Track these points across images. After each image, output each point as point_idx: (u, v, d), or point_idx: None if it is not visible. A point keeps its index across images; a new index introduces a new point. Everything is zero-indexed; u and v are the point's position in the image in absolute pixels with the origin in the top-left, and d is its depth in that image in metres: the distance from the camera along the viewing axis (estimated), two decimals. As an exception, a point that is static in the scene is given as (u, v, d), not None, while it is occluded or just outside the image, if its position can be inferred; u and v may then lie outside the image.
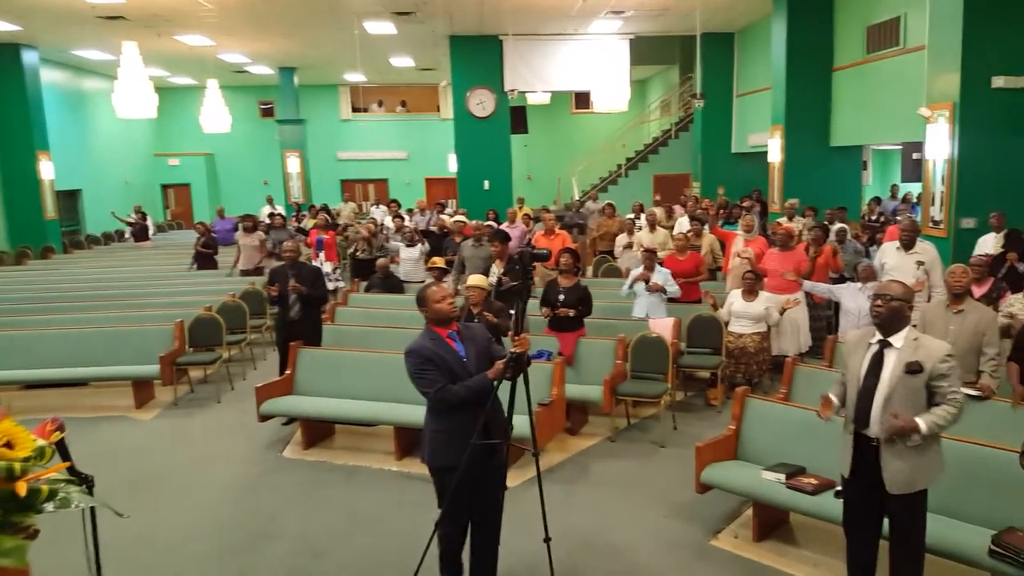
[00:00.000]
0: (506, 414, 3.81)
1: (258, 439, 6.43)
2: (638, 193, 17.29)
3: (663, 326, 6.91)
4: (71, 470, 2.26)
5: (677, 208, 12.85)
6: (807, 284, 7.06)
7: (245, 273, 10.83)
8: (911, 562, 3.49)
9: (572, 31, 15.18)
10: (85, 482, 2.38)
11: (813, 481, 4.21)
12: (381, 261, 9.49)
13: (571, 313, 6.38)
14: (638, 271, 7.31)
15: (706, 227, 9.37)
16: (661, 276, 7.21)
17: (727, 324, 6.94)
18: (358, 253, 10.57)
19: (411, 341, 3.75)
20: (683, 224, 10.69)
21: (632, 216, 11.78)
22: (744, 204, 12.76)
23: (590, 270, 10.98)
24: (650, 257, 7.34)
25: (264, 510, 5.16)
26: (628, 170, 19.28)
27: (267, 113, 23.27)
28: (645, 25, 15.02)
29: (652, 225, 9.90)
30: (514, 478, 5.32)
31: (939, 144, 9.12)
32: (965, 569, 3.73)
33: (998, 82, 8.67)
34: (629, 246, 10.14)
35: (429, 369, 3.62)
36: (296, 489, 5.48)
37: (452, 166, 17.30)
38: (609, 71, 15.82)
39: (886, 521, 3.53)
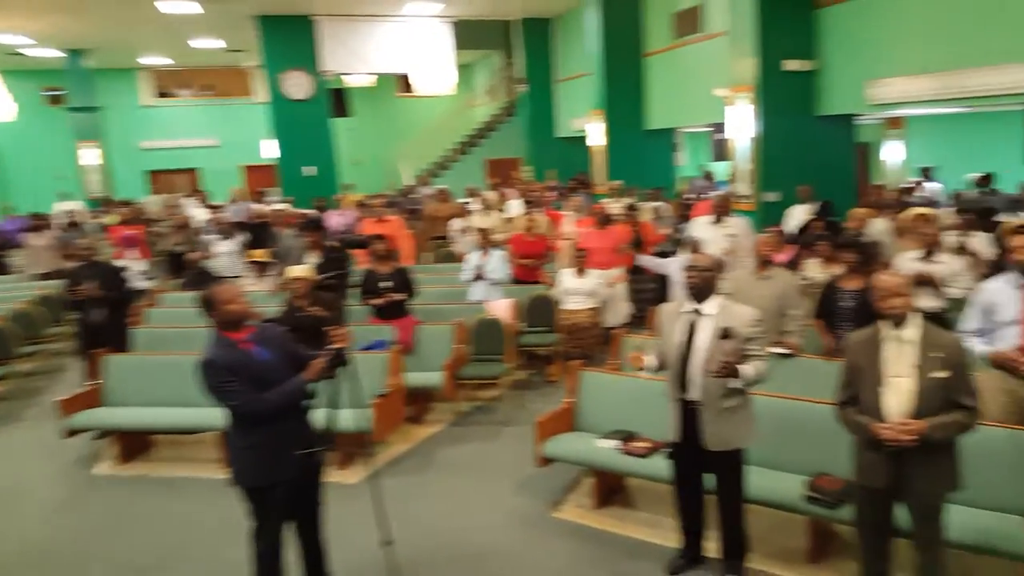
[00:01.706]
0: (327, 415, 3.63)
1: (66, 457, 5.82)
2: (471, 177, 17.33)
3: (500, 308, 6.97)
4: None
5: (509, 191, 13.00)
6: (641, 258, 7.38)
7: (45, 276, 9.78)
8: (735, 513, 3.76)
9: (388, 12, 14.86)
10: None
11: (645, 445, 4.38)
12: (191, 256, 8.83)
13: (400, 297, 6.27)
14: (475, 255, 7.34)
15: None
16: (494, 260, 7.28)
17: (561, 302, 7.11)
18: (174, 248, 9.78)
19: (202, 352, 3.36)
20: (514, 207, 10.82)
21: (466, 200, 11.77)
22: (571, 186, 13.15)
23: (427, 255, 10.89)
24: (484, 238, 7.40)
25: (81, 533, 4.69)
26: (460, 154, 19.28)
27: (56, 100, 20.91)
28: (466, 9, 15.00)
29: (486, 209, 9.94)
30: (355, 474, 5.19)
31: (741, 124, 9.85)
32: (786, 515, 4.02)
33: (789, 65, 9.49)
34: (464, 230, 10.12)
35: (230, 380, 3.27)
36: (115, 507, 5.02)
37: (268, 152, 16.42)
38: (433, 54, 15.66)
39: (711, 477, 3.76)
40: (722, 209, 7.28)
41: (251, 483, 3.43)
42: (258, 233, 10.04)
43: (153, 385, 5.81)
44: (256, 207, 12.09)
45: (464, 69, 21.28)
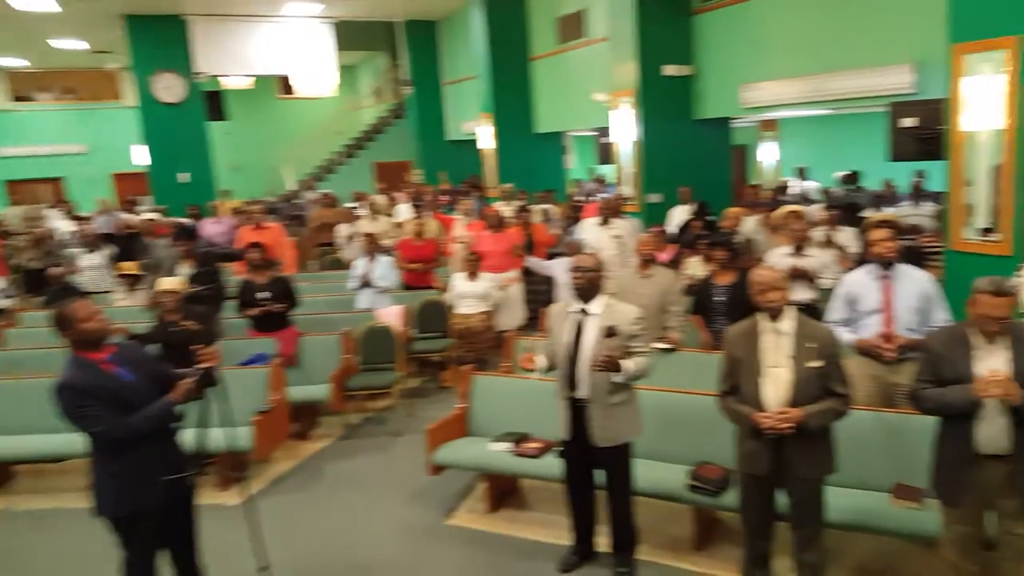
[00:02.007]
0: (197, 437, 3.44)
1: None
2: (359, 181, 16.97)
3: (390, 315, 6.83)
4: None
5: (399, 195, 12.81)
6: (530, 261, 7.41)
7: None
8: (624, 506, 3.83)
9: (266, 13, 14.37)
10: None
11: (537, 445, 4.39)
12: (53, 271, 8.19)
13: (279, 308, 6.04)
14: (361, 262, 7.16)
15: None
16: (381, 266, 7.15)
17: (453, 307, 7.05)
18: (28, 263, 9.04)
19: (59, 375, 3.11)
20: (403, 211, 10.67)
21: (353, 205, 11.50)
22: (463, 189, 13.09)
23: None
24: (371, 243, 7.24)
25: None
26: (347, 157, 18.86)
27: None
28: (347, 9, 14.70)
29: (374, 213, 9.74)
30: (236, 495, 4.88)
31: (624, 128, 10.09)
32: (672, 505, 4.10)
33: (668, 70, 9.79)
34: (351, 236, 9.88)
35: (90, 405, 3.05)
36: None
37: (140, 158, 15.54)
38: (313, 55, 15.26)
39: (602, 473, 3.81)
40: (608, 211, 7.41)
41: (117, 512, 3.20)
42: (128, 244, 9.44)
43: (12, 411, 5.36)
44: (125, 217, 11.40)
45: (348, 70, 20.86)
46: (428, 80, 16.68)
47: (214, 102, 15.32)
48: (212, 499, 4.78)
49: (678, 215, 8.75)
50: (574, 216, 10.10)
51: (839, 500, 3.53)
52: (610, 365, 3.50)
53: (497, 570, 4.06)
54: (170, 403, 3.21)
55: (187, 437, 3.41)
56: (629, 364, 3.58)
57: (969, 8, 5.36)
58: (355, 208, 10.54)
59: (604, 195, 10.38)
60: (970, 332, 3.01)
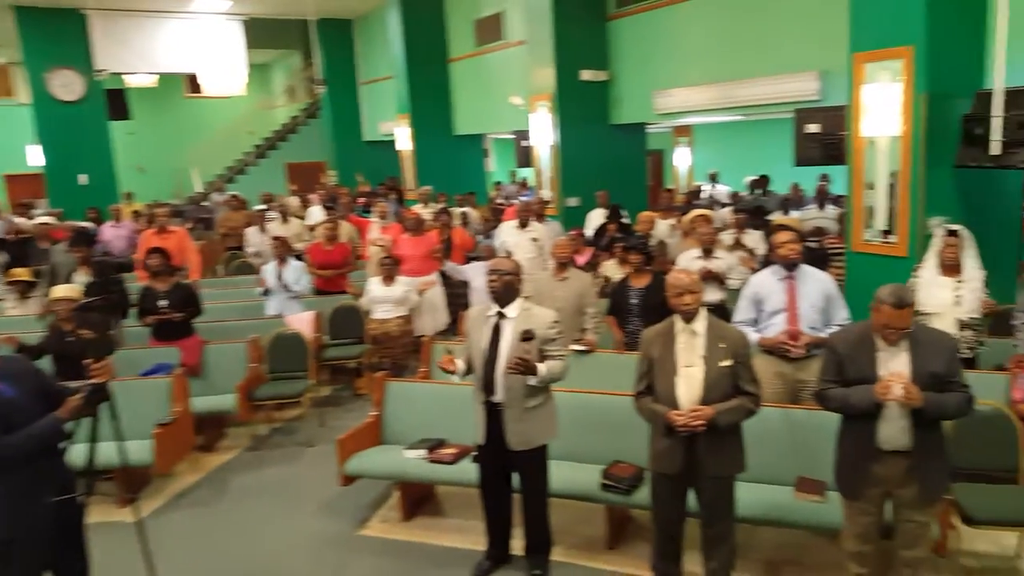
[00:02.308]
0: (88, 455, 3.24)
1: None
2: (271, 182, 16.48)
3: (302, 321, 6.63)
4: None
5: (312, 197, 12.51)
6: (447, 266, 7.32)
7: None
8: (539, 509, 3.81)
9: (172, 9, 13.83)
10: None
11: (452, 451, 4.32)
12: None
13: (179, 317, 5.76)
14: (271, 266, 6.92)
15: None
16: (293, 272, 6.95)
17: (369, 312, 6.89)
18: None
19: None
20: (315, 214, 10.41)
21: (262, 207, 11.14)
22: (379, 191, 12.89)
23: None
24: (281, 247, 7.02)
25: None
26: (257, 158, 18.32)
27: None
28: (257, 6, 14.30)
29: (284, 216, 9.45)
30: (135, 512, 4.63)
31: (543, 132, 10.13)
32: (586, 506, 4.11)
33: (585, 75, 9.88)
34: (263, 240, 9.55)
35: None
36: None
37: (35, 159, 14.68)
38: (222, 53, 14.77)
39: (516, 476, 3.80)
40: (526, 215, 7.41)
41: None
42: (20, 250, 8.88)
43: None
44: (18, 221, 10.72)
45: (260, 69, 20.30)
46: (344, 80, 16.38)
47: (117, 101, 14.64)
48: (109, 517, 4.55)
49: (595, 219, 8.84)
50: (495, 219, 10.08)
51: (747, 495, 3.59)
52: (526, 368, 3.46)
53: (410, 579, 3.97)
54: (57, 420, 3.01)
55: (76, 455, 3.20)
56: (544, 368, 3.56)
57: (869, 18, 5.58)
58: (264, 210, 10.19)
59: (525, 198, 10.40)
60: (874, 333, 3.10)
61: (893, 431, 3.02)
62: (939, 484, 3.13)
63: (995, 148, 5.04)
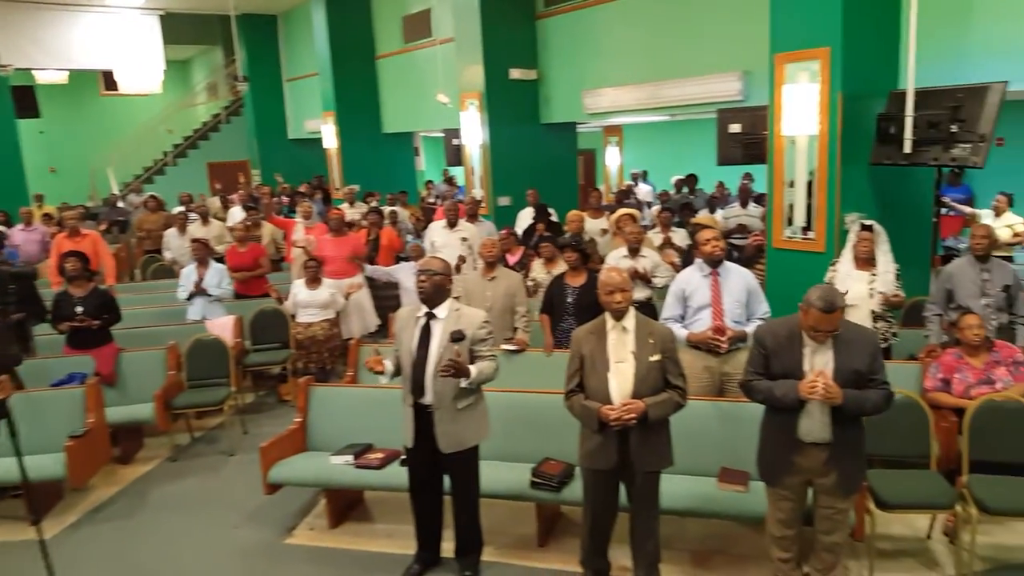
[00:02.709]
0: None
1: None
2: (192, 183, 15.95)
3: (221, 326, 6.41)
4: None
5: (233, 198, 12.13)
6: (368, 268, 7.18)
7: None
8: (470, 510, 3.77)
9: (83, 2, 13.21)
10: None
11: (379, 456, 4.24)
12: None
13: (95, 323, 5.50)
14: (191, 269, 6.69)
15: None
16: (214, 275, 6.72)
17: (294, 316, 6.71)
18: None
19: None
20: (236, 215, 10.10)
21: (182, 208, 10.74)
22: (303, 191, 12.60)
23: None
24: (200, 249, 6.78)
25: None
26: (177, 158, 17.70)
27: None
28: (175, 1, 13.80)
29: (204, 217, 9.13)
30: (52, 526, 4.51)
31: (473, 130, 10.07)
32: (517, 505, 4.10)
33: (514, 74, 9.86)
34: (185, 243, 9.19)
35: None
36: None
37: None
38: (137, 49, 14.20)
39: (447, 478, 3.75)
40: (455, 214, 7.34)
41: None
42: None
43: None
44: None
45: (180, 65, 19.64)
46: (268, 76, 16.02)
47: (25, 98, 13.88)
48: (17, 536, 4.34)
49: (525, 218, 8.83)
50: (426, 219, 9.97)
51: (674, 487, 3.64)
52: (458, 371, 3.41)
53: (338, 587, 3.87)
54: None
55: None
56: (475, 369, 3.52)
57: (788, 20, 5.72)
58: (184, 212, 9.84)
59: (458, 197, 10.33)
60: (801, 330, 3.16)
61: (813, 425, 3.10)
62: (856, 475, 3.23)
63: (907, 146, 5.25)
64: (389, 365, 3.66)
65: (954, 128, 5.03)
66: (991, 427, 3.76)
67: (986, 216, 7.32)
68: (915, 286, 5.78)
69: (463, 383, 3.50)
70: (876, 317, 4.67)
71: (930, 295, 5.00)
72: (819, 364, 3.08)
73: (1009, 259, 6.87)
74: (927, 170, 5.64)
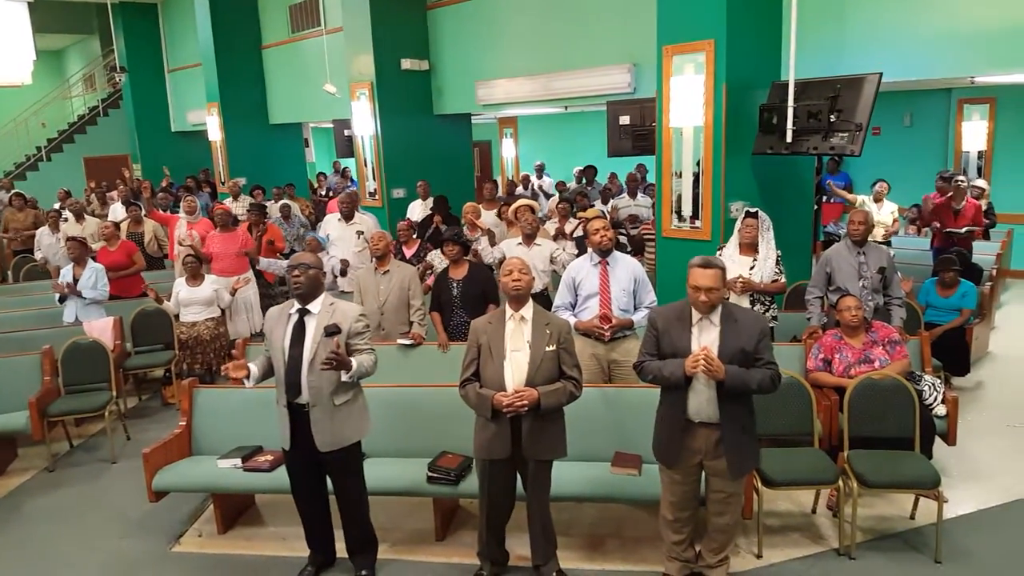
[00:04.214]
0: None
1: None
2: (68, 179, 14.99)
3: (100, 328, 6.06)
4: None
5: (113, 194, 11.48)
6: (262, 263, 6.95)
7: None
8: (357, 509, 3.69)
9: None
10: None
11: (268, 458, 4.11)
12: None
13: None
14: (67, 269, 6.29)
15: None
16: (91, 274, 6.33)
17: (177, 316, 6.41)
18: None
19: None
20: (117, 211, 9.57)
21: (56, 206, 10.08)
22: (188, 185, 12.06)
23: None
24: (76, 248, 6.39)
25: None
26: (51, 152, 16.59)
27: None
28: (45, -13, 12.91)
29: (79, 215, 8.60)
30: None
31: (364, 121, 9.88)
32: (415, 500, 4.07)
33: (406, 64, 9.73)
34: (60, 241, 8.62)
35: None
36: None
37: None
38: (4, 37, 13.17)
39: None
40: (350, 206, 7.19)
41: None
42: None
43: None
44: None
45: (53, 56, 18.41)
46: (148, 67, 15.24)
47: None
48: None
49: (416, 210, 8.75)
50: (317, 212, 9.73)
51: (567, 473, 3.69)
52: (339, 363, 3.33)
53: (229, 594, 3.73)
54: None
55: None
56: (355, 362, 3.43)
57: (675, 12, 5.87)
58: (58, 209, 9.23)
59: (350, 189, 10.12)
60: (691, 310, 3.25)
61: (701, 403, 3.19)
62: (747, 459, 3.30)
63: (789, 136, 5.47)
64: (254, 369, 3.52)
65: (833, 118, 5.25)
66: (870, 405, 3.94)
67: (867, 203, 7.77)
68: (798, 271, 6.08)
69: (344, 376, 3.40)
70: (753, 301, 4.88)
71: (811, 279, 5.19)
72: (706, 342, 3.18)
73: (888, 243, 7.35)
74: (808, 159, 5.90)
